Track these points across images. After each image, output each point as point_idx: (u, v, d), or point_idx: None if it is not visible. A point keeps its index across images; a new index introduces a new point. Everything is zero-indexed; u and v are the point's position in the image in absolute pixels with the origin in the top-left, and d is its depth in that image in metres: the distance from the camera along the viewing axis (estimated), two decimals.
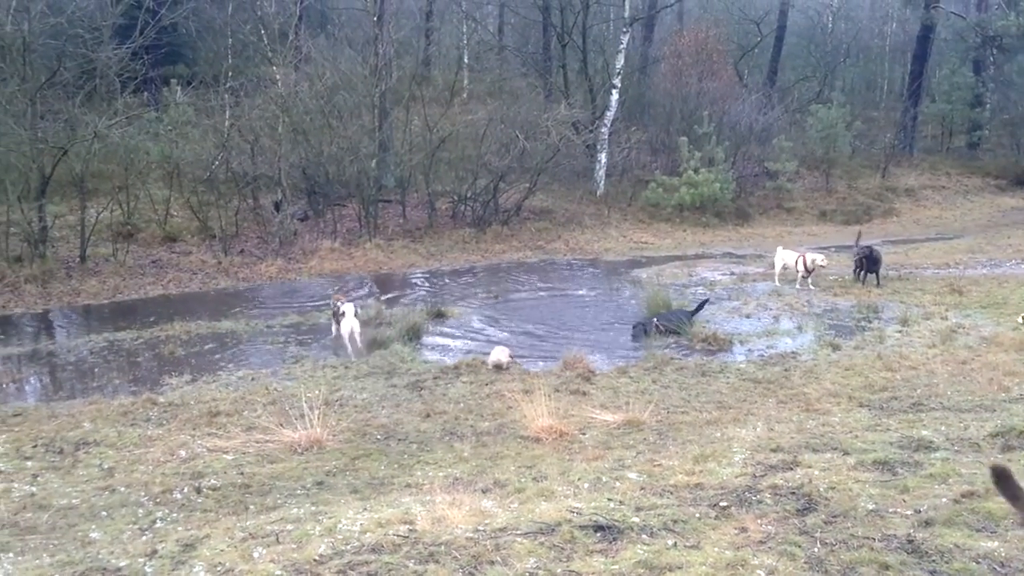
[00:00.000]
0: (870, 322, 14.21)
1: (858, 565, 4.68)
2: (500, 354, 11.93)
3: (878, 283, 16.71)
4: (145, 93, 24.93)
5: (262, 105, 22.90)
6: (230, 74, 25.34)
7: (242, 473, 8.10)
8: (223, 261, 19.53)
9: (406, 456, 8.56)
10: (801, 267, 16.73)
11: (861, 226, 23.20)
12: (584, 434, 9.01)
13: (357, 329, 13.06)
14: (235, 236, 20.83)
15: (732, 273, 17.94)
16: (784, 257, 17.25)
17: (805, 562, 4.77)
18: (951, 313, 14.31)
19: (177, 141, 21.72)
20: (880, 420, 8.48)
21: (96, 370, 12.27)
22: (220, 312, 15.51)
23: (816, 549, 4.93)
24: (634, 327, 13.61)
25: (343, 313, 13.09)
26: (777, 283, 17.09)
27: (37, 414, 10.14)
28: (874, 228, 27.48)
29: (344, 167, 22.88)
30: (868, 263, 16.83)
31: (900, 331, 13.34)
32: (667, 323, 13.50)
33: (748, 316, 14.94)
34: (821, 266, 16.71)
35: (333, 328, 13.54)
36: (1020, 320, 13.01)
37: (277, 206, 22.00)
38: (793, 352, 12.53)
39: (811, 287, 16.68)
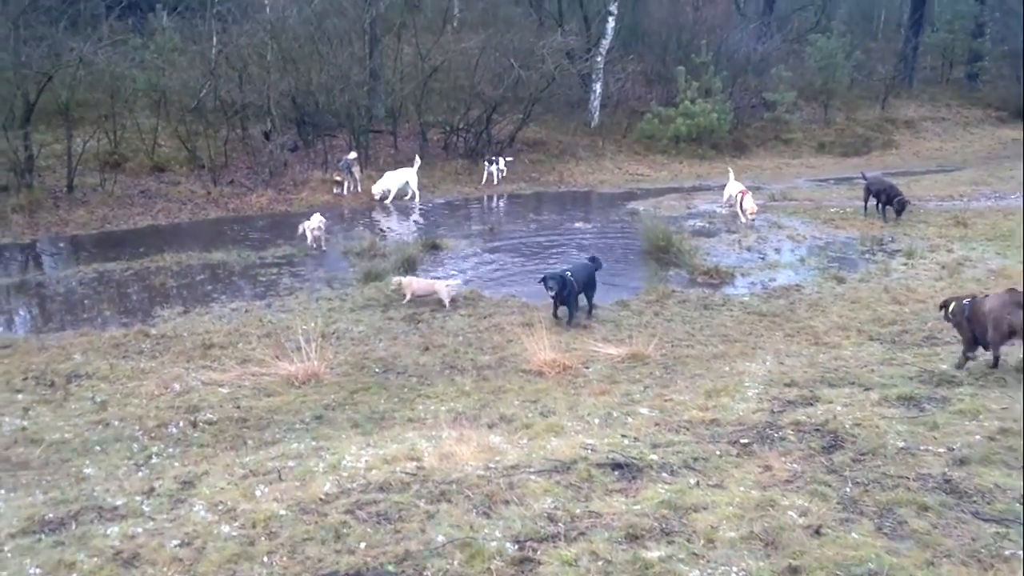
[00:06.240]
0: (874, 255, 14.00)
1: (895, 506, 4.47)
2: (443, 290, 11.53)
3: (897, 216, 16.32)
4: (130, 19, 24.11)
5: (250, 31, 22.14)
6: None
7: (239, 407, 7.89)
8: (212, 191, 19.11)
9: (406, 390, 8.35)
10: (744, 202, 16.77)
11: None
12: (588, 368, 8.82)
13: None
14: (224, 166, 20.33)
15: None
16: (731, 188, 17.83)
17: (838, 503, 4.56)
18: (956, 246, 14.12)
19: (163, 69, 21.06)
20: (895, 354, 8.30)
21: (86, 302, 11.99)
22: (211, 243, 15.16)
23: (848, 489, 4.73)
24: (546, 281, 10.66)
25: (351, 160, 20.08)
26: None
27: (27, 346, 9.89)
28: (873, 160, 27.12)
29: (334, 96, 22.29)
30: (888, 196, 16.45)
31: (906, 264, 13.15)
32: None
33: (748, 248, 14.70)
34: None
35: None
36: None
37: (267, 136, 21.45)
38: (797, 285, 12.33)
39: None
